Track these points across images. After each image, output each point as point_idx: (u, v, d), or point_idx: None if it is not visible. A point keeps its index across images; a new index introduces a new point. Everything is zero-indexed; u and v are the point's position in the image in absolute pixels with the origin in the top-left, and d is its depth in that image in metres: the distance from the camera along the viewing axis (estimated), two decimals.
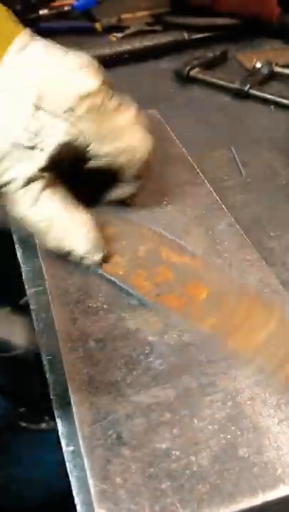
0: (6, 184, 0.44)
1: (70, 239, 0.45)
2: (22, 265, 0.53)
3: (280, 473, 0.34)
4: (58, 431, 0.39)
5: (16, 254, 0.55)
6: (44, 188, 0.45)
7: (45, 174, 0.45)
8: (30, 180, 0.45)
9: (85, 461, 0.35)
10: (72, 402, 0.38)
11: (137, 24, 1.07)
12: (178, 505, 0.33)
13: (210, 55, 0.95)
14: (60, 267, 0.48)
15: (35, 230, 0.46)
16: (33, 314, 0.49)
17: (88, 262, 0.46)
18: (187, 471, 0.34)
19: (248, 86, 0.83)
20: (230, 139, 0.72)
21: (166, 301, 0.44)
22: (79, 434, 0.36)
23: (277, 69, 0.90)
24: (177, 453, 0.35)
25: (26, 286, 0.52)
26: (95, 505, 0.33)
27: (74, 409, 0.38)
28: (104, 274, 0.46)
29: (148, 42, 0.99)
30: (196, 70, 0.90)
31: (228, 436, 0.36)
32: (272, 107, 0.81)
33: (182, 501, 0.33)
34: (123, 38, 1.04)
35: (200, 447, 0.35)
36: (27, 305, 0.51)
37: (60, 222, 0.45)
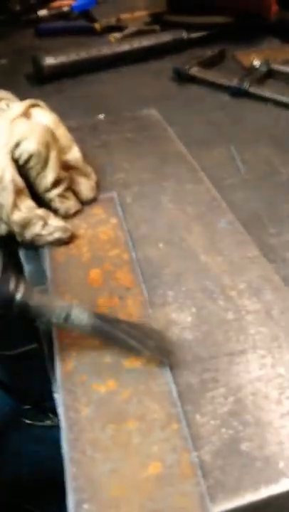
0: None
1: None
2: (24, 266, 0.54)
3: (282, 467, 0.34)
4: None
5: (18, 254, 0.55)
6: None
7: None
8: None
9: None
10: None
11: (135, 24, 1.07)
12: None
13: (209, 53, 0.95)
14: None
15: None
16: None
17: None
18: None
19: (247, 84, 0.84)
20: (230, 137, 0.72)
21: None
22: None
23: (276, 67, 0.90)
24: None
25: None
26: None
27: None
28: None
29: (147, 42, 0.99)
30: (195, 68, 0.90)
31: (230, 431, 0.36)
32: (270, 104, 0.81)
33: None
34: (122, 38, 1.04)
35: (202, 442, 0.35)
36: None
37: None
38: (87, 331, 0.40)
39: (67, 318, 0.39)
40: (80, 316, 0.39)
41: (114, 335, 0.40)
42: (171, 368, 0.40)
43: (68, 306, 0.39)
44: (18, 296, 0.38)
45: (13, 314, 0.38)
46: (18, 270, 0.49)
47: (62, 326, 0.40)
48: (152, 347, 0.40)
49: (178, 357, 0.41)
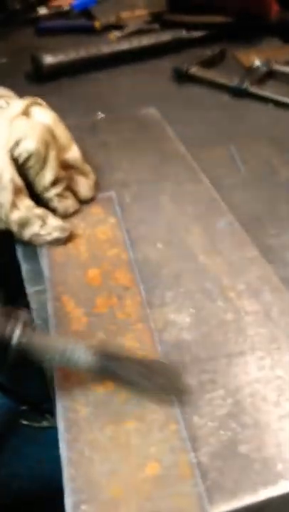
0: None
1: None
2: (22, 265, 0.54)
3: (280, 469, 0.34)
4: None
5: (15, 254, 0.55)
6: None
7: None
8: None
9: None
10: None
11: (135, 23, 1.07)
12: None
13: (209, 53, 0.95)
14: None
15: None
16: (34, 314, 0.49)
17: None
18: None
19: (247, 84, 0.83)
20: (230, 137, 0.72)
21: None
22: None
23: (276, 67, 0.90)
24: None
25: (26, 286, 0.52)
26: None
27: None
28: None
29: (147, 40, 0.99)
30: (195, 68, 0.90)
31: (229, 433, 0.36)
32: (270, 104, 0.81)
33: None
34: (122, 36, 1.04)
35: (200, 444, 0.35)
36: (27, 305, 0.51)
37: None
38: (92, 371, 0.38)
39: (69, 360, 0.37)
40: (83, 356, 0.37)
41: (121, 375, 0.38)
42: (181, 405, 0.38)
43: (70, 346, 0.37)
44: (15, 339, 0.36)
45: (10, 358, 0.37)
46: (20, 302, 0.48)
47: (65, 366, 0.38)
48: (162, 385, 0.38)
49: (176, 358, 0.41)
